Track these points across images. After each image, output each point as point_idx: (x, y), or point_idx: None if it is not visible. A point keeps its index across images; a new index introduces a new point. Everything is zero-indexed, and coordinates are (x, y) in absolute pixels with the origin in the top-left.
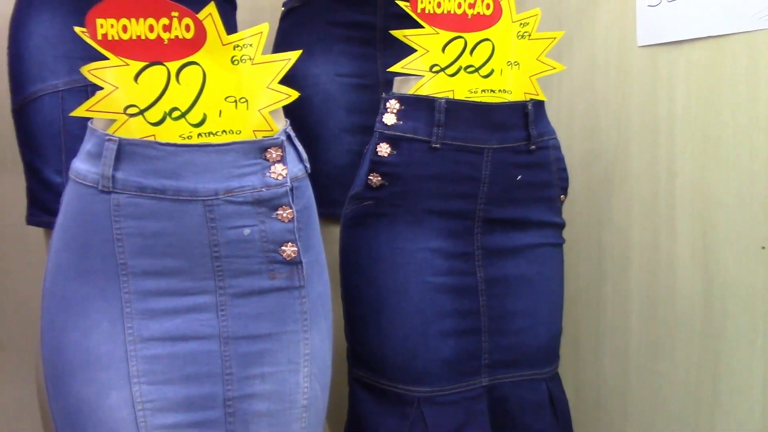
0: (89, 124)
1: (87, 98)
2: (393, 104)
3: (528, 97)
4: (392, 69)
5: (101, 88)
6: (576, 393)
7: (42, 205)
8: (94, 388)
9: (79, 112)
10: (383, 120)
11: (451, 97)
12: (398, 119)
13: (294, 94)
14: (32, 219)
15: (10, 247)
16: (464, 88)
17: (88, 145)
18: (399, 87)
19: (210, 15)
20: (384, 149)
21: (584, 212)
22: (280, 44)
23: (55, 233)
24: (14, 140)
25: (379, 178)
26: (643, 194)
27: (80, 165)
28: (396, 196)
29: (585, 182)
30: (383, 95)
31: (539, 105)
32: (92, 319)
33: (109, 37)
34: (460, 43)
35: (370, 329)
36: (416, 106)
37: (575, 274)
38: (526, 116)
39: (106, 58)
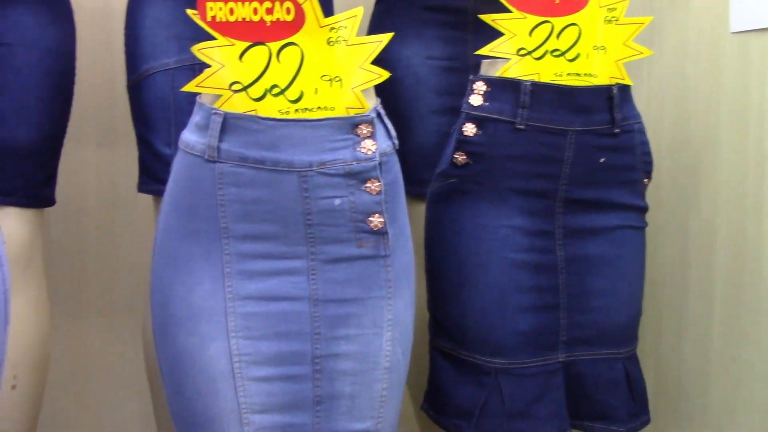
0: (197, 99)
1: (194, 76)
2: (480, 86)
3: (613, 81)
4: (480, 52)
5: (208, 66)
6: (656, 377)
7: (152, 174)
8: (196, 339)
9: (189, 87)
10: (470, 101)
11: (536, 79)
12: (484, 100)
13: (385, 74)
14: (143, 187)
15: (122, 214)
16: (550, 72)
17: (196, 117)
18: (486, 69)
19: (309, 0)
20: (470, 129)
21: (670, 198)
22: (375, 27)
23: (164, 198)
24: (125, 115)
25: (464, 157)
26: (731, 182)
27: (189, 136)
28: (480, 174)
29: (672, 169)
30: (471, 77)
31: (625, 89)
32: (196, 277)
33: (217, 19)
34: (547, 27)
35: (451, 301)
36: (502, 87)
37: (659, 260)
38: (611, 100)
39: (214, 39)
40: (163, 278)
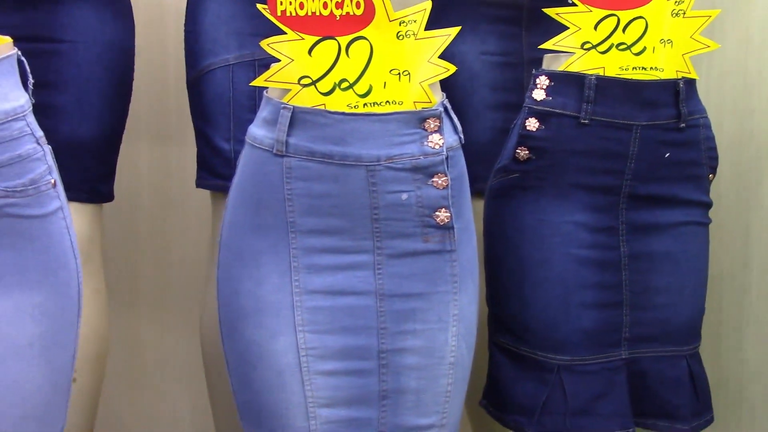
0: (265, 93)
1: (254, 71)
2: (542, 80)
3: (680, 75)
4: (543, 46)
5: (270, 62)
6: (717, 377)
7: (211, 170)
8: (264, 332)
9: (259, 82)
10: (532, 95)
11: (601, 74)
12: (547, 95)
13: (452, 68)
14: (202, 182)
15: (174, 210)
16: (615, 65)
17: (264, 112)
18: (549, 64)
19: None
20: (532, 124)
21: (732, 194)
22: (430, 22)
23: (231, 192)
24: (178, 112)
25: (527, 152)
26: None
27: (257, 130)
28: (543, 169)
29: (734, 164)
30: (533, 71)
31: (691, 83)
32: (264, 271)
33: (287, 13)
34: (612, 20)
35: (512, 297)
36: (566, 82)
37: (719, 257)
38: (677, 94)
39: (282, 33)
40: (230, 272)
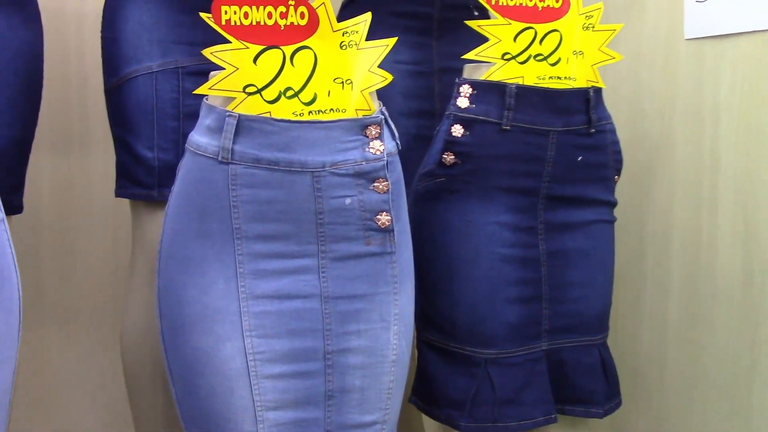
0: (205, 101)
1: (177, 79)
2: (466, 89)
3: (590, 84)
4: (466, 56)
5: (194, 69)
6: (615, 361)
7: (132, 178)
8: (211, 339)
9: (203, 90)
10: (457, 103)
11: (520, 83)
12: (471, 102)
13: (389, 77)
14: (122, 191)
15: (78, 220)
16: (533, 75)
17: (207, 120)
18: (470, 73)
19: (323, 4)
20: (458, 130)
21: (626, 193)
22: None
23: (172, 200)
24: (80, 120)
25: (453, 157)
26: (686, 179)
27: (199, 138)
28: (468, 173)
29: (628, 166)
30: (456, 80)
31: (598, 92)
32: (209, 278)
33: (232, 23)
34: (530, 33)
35: (440, 295)
36: (488, 90)
37: (618, 251)
38: (588, 102)
39: (205, 43)
40: (174, 280)
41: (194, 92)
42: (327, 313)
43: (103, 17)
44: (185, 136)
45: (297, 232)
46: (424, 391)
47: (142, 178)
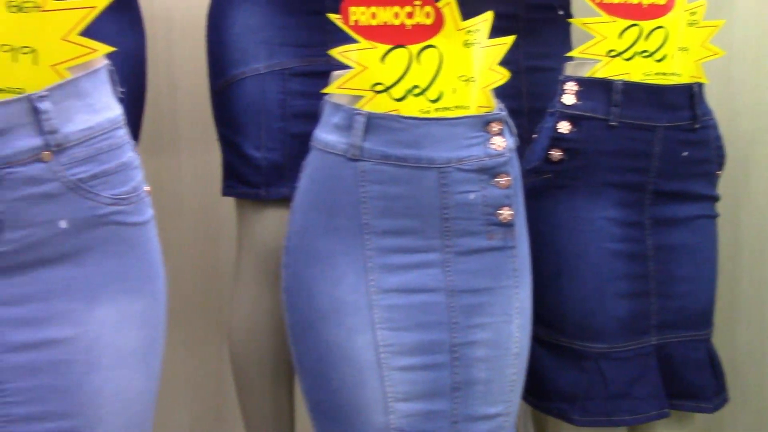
0: (328, 99)
1: (283, 80)
2: (571, 86)
3: (693, 80)
4: (572, 54)
5: (311, 71)
6: None
7: (240, 177)
8: (343, 331)
9: (332, 89)
10: (562, 100)
11: (627, 79)
12: (577, 99)
13: (507, 75)
14: (230, 190)
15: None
16: (639, 71)
17: (334, 118)
18: (574, 70)
19: (449, 4)
20: (565, 126)
21: (721, 189)
22: None
23: (299, 197)
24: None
25: (560, 153)
26: None
27: (327, 136)
28: (575, 169)
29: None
30: (560, 77)
31: (701, 87)
32: (340, 271)
33: (360, 23)
34: (635, 30)
35: (549, 291)
36: (594, 87)
37: None
38: (692, 97)
39: (355, 41)
40: (303, 274)
41: (322, 91)
42: (452, 306)
43: (209, 21)
44: (291, 135)
45: (423, 227)
46: (533, 386)
47: (250, 177)
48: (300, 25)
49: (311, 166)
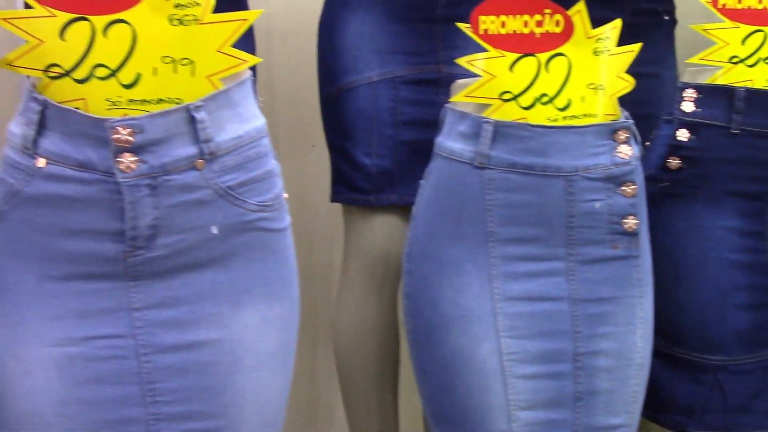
0: (451, 107)
1: (394, 88)
2: (690, 93)
3: None
4: (691, 60)
5: (421, 79)
6: None
7: (350, 184)
8: (468, 339)
9: (459, 98)
10: (681, 107)
11: (750, 86)
12: (697, 106)
13: (632, 82)
14: (339, 196)
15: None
16: (763, 78)
17: (460, 126)
18: (692, 77)
19: (579, 12)
20: (683, 134)
21: None
22: None
23: (423, 204)
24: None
25: (678, 161)
26: None
27: (452, 144)
28: (694, 177)
29: None
30: (679, 84)
31: None
32: (465, 279)
33: (489, 32)
34: (759, 36)
35: (666, 301)
36: (715, 94)
37: None
38: None
39: (436, 52)
40: (427, 280)
41: (450, 100)
42: (576, 315)
43: (320, 30)
44: (401, 143)
45: (547, 236)
46: (649, 397)
47: (360, 183)
48: (410, 33)
49: (436, 174)
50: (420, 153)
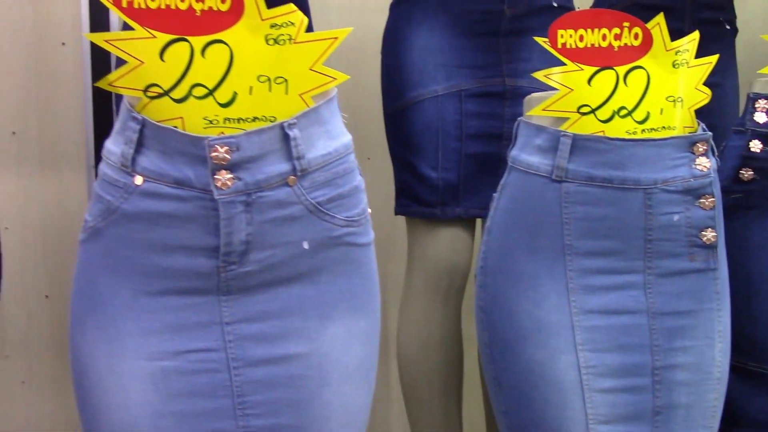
0: (526, 120)
1: (460, 102)
2: (763, 104)
3: None
4: (763, 71)
5: (485, 92)
6: None
7: (415, 197)
8: (546, 352)
9: (536, 111)
10: (754, 118)
11: None
12: None
13: (709, 93)
14: (404, 209)
15: None
16: None
17: (536, 140)
18: (764, 87)
19: (658, 24)
20: (756, 146)
21: None
22: None
23: (498, 216)
24: None
25: (751, 173)
26: None
27: (528, 157)
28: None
29: None
30: (750, 95)
31: None
32: (542, 292)
33: (568, 46)
34: None
35: (739, 313)
36: None
37: None
38: None
39: (501, 66)
40: (503, 294)
41: (527, 114)
42: (654, 328)
43: (385, 45)
44: (466, 156)
45: (625, 249)
46: (722, 412)
47: (426, 196)
48: (476, 46)
49: (511, 187)
50: (485, 166)
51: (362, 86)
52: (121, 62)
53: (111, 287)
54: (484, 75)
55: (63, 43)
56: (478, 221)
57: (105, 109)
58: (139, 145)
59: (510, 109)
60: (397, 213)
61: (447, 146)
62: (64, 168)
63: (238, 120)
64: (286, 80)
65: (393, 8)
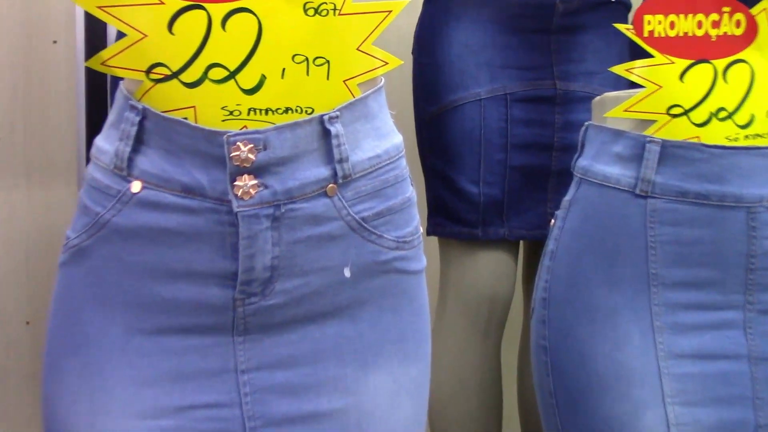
0: (598, 125)
1: (505, 106)
2: None
3: None
4: None
5: (535, 96)
6: None
7: (453, 215)
8: (629, 405)
9: (616, 113)
10: None
11: None
12: None
13: None
14: (438, 229)
15: None
16: None
17: (615, 147)
18: None
19: (765, 9)
20: None
21: None
22: None
23: (566, 238)
24: None
25: None
26: None
27: (605, 167)
28: None
29: None
30: None
31: None
32: (623, 331)
33: (655, 34)
34: None
35: None
36: None
37: None
38: None
39: (552, 65)
40: (576, 332)
41: (605, 115)
42: (756, 378)
43: (419, 42)
44: (512, 168)
45: (722, 279)
46: None
47: (465, 215)
48: (523, 45)
49: (583, 203)
50: (532, 180)
51: (393, 88)
52: (120, 36)
53: (97, 323)
54: (532, 77)
55: (54, 41)
56: (522, 243)
57: (100, 113)
58: (138, 142)
59: (561, 116)
60: (429, 233)
61: (490, 157)
62: (53, 179)
63: (266, 111)
64: (328, 62)
65: (428, 1)
